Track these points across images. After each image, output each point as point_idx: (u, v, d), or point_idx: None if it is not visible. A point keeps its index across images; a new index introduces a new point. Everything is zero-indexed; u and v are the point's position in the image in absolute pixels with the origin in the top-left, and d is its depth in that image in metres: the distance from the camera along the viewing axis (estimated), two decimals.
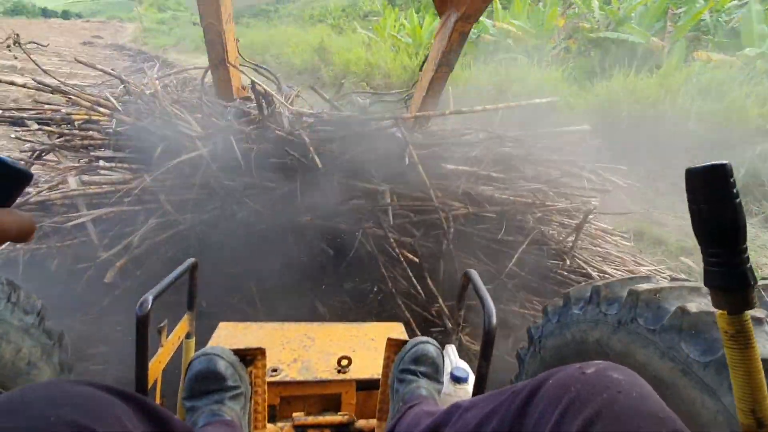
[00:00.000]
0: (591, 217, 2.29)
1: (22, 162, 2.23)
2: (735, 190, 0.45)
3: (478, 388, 0.77)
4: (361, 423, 1.02)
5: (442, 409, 0.68)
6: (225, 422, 0.74)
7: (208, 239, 2.17)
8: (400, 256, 2.09)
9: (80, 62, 2.51)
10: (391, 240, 2.09)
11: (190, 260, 1.02)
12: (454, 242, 2.13)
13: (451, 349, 1.10)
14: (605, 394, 0.45)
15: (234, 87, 2.44)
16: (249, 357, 0.88)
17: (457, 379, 0.97)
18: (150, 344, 0.81)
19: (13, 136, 2.25)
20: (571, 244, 2.19)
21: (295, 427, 0.97)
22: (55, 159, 2.05)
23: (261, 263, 2.31)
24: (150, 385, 0.85)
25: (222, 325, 1.35)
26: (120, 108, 1.99)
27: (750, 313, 0.46)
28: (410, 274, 2.12)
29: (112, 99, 2.04)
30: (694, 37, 6.20)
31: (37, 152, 2.07)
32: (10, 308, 1.03)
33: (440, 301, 2.06)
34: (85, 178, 1.89)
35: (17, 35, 2.54)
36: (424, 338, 0.92)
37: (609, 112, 4.91)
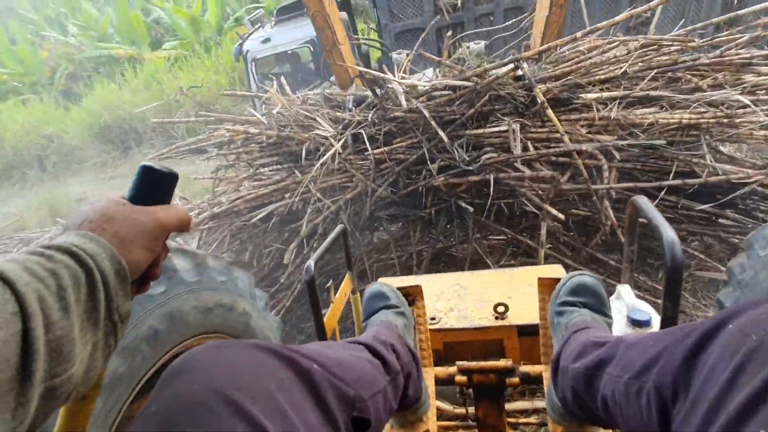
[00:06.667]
0: None
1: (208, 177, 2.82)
2: None
3: None
4: (526, 368, 0.97)
5: (610, 339, 0.61)
6: (388, 326, 0.85)
7: (356, 215, 2.44)
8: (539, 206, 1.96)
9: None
10: (526, 192, 1.97)
11: (340, 227, 1.08)
12: (611, 180, 1.86)
13: (625, 290, 0.96)
14: None
15: (349, 68, 2.51)
16: (410, 297, 0.98)
17: (637, 323, 0.84)
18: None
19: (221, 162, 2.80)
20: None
21: (461, 371, 0.96)
22: (233, 173, 2.54)
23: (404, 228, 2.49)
24: (330, 335, 0.99)
25: (381, 280, 1.48)
26: (265, 122, 2.30)
27: None
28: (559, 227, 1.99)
29: (257, 115, 2.36)
30: None
31: (220, 170, 2.60)
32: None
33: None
34: (255, 183, 2.30)
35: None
36: (578, 271, 0.84)
37: None
